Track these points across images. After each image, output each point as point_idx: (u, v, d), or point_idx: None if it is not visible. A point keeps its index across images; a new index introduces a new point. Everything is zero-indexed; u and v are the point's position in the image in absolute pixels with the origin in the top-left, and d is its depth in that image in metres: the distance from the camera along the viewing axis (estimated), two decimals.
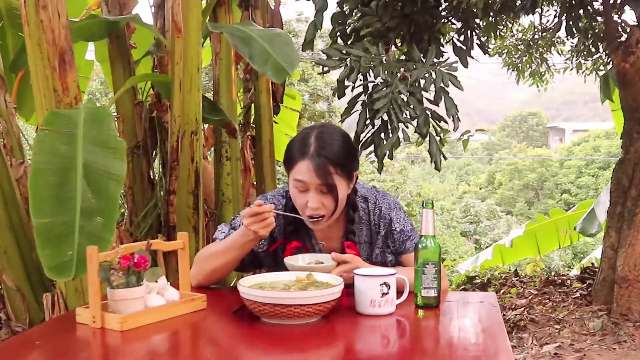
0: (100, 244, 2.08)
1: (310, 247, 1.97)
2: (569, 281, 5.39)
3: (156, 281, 1.65)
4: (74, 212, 2.15)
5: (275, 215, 1.79)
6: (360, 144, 3.55)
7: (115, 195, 2.25)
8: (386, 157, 3.50)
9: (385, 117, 3.41)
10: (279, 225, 1.95)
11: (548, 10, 5.08)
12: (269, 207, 1.76)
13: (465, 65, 3.91)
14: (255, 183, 3.82)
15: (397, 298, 1.68)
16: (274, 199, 1.98)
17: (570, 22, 4.52)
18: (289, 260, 1.82)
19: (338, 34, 3.93)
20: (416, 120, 3.33)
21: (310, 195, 1.82)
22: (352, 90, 3.53)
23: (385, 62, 3.37)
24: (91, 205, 2.19)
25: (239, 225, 1.92)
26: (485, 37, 4.57)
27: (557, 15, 4.82)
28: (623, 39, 4.26)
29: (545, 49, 5.52)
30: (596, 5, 4.52)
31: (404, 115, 3.29)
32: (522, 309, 4.64)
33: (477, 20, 4.08)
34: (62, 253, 2.08)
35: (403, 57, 3.97)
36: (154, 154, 3.40)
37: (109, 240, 2.15)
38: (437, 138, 3.45)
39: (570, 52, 5.38)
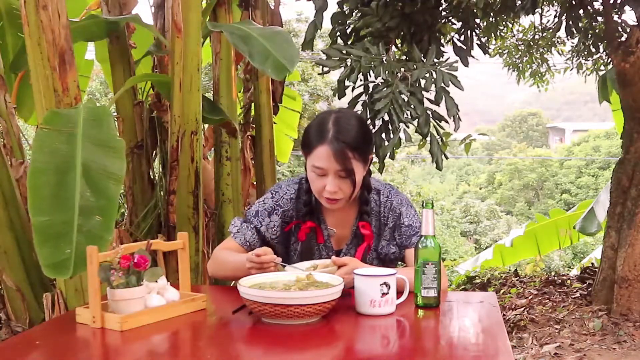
0: (98, 243, 2.09)
1: (321, 231, 2.01)
2: (569, 281, 5.39)
3: (156, 281, 1.65)
4: (73, 211, 2.15)
5: (275, 265, 1.79)
6: None
7: (114, 194, 2.25)
8: (387, 157, 3.50)
9: (386, 117, 3.40)
10: (293, 207, 1.99)
11: (548, 11, 5.08)
12: (269, 258, 1.77)
13: (466, 65, 3.91)
14: (255, 183, 3.82)
15: (397, 298, 1.68)
16: (288, 187, 2.02)
17: (571, 22, 4.52)
18: (290, 268, 1.82)
19: (338, 34, 3.93)
20: (417, 120, 3.33)
21: (328, 180, 1.86)
22: (352, 91, 3.53)
23: (385, 62, 3.37)
24: (90, 204, 2.19)
25: (253, 216, 1.99)
26: (486, 38, 4.57)
27: (557, 15, 4.82)
28: (623, 39, 4.26)
29: (545, 49, 5.52)
30: (596, 5, 4.52)
31: (405, 115, 3.29)
32: (522, 309, 4.64)
33: (477, 20, 4.08)
34: (61, 251, 2.08)
35: (403, 57, 3.97)
36: (154, 154, 3.40)
37: (108, 239, 2.15)
38: (438, 138, 3.45)
39: (570, 52, 5.38)
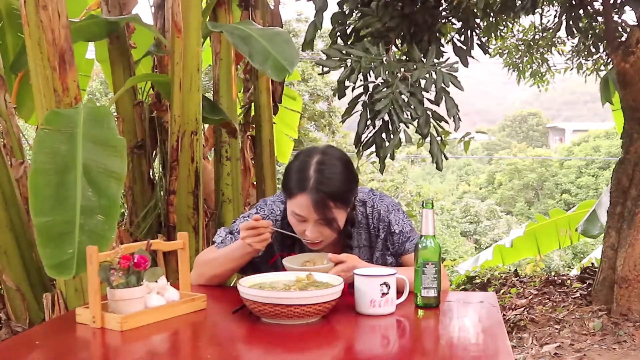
0: (101, 242, 2.10)
1: None
2: (569, 281, 5.39)
3: (156, 281, 1.65)
4: (74, 211, 2.15)
5: (272, 231, 1.79)
6: (362, 145, 3.55)
7: (115, 193, 2.25)
8: (387, 157, 3.50)
9: (386, 118, 3.40)
10: (277, 238, 1.94)
11: (549, 11, 5.09)
12: (266, 222, 1.76)
13: (466, 65, 3.91)
14: (255, 183, 3.82)
15: (397, 298, 1.68)
16: (274, 205, 1.98)
17: (571, 22, 4.53)
18: (286, 262, 1.81)
19: (338, 34, 3.93)
20: (417, 120, 3.33)
21: (308, 227, 1.81)
22: (352, 91, 3.53)
23: (385, 63, 3.37)
24: (91, 204, 2.19)
25: (237, 231, 1.93)
26: (486, 37, 4.57)
27: (557, 15, 4.82)
28: (623, 39, 4.26)
29: (545, 49, 5.53)
30: (596, 5, 4.52)
31: (405, 115, 3.28)
32: (522, 309, 4.64)
33: (477, 20, 4.08)
34: (63, 251, 2.08)
35: (403, 57, 3.97)
36: (154, 154, 3.40)
37: (110, 238, 2.15)
38: (438, 138, 3.45)
39: (570, 52, 5.39)
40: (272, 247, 1.93)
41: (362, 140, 3.54)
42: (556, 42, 5.47)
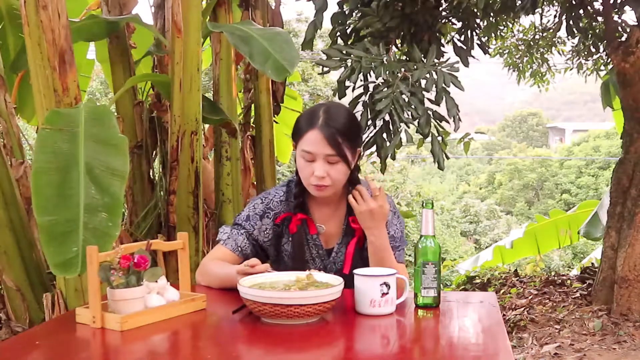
0: (105, 240, 2.10)
1: (312, 222, 1.99)
2: (569, 281, 5.39)
3: (156, 281, 1.65)
4: (78, 209, 2.16)
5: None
6: (363, 145, 3.55)
7: (118, 191, 2.25)
8: (388, 157, 3.50)
9: (387, 118, 3.40)
10: (284, 209, 1.98)
11: (548, 10, 5.09)
12: (263, 267, 1.75)
13: (466, 65, 3.91)
14: (255, 183, 3.82)
15: (397, 297, 1.68)
16: (276, 190, 2.03)
17: (571, 22, 4.53)
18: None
19: (338, 34, 3.93)
20: (418, 120, 3.33)
21: (316, 165, 1.86)
22: (352, 91, 3.53)
23: (386, 63, 3.37)
24: (95, 202, 2.19)
25: (244, 220, 1.98)
26: (486, 37, 4.57)
27: (558, 15, 4.83)
28: (623, 39, 4.27)
29: (545, 49, 5.53)
30: (596, 5, 4.53)
31: (406, 115, 3.28)
32: (522, 309, 4.64)
33: (478, 20, 4.08)
34: (67, 250, 2.08)
35: (404, 57, 3.97)
36: (154, 154, 3.40)
37: (114, 235, 2.15)
38: (439, 138, 3.45)
39: (570, 52, 5.39)
40: (276, 214, 1.98)
41: (363, 140, 3.54)
42: (556, 42, 5.48)
